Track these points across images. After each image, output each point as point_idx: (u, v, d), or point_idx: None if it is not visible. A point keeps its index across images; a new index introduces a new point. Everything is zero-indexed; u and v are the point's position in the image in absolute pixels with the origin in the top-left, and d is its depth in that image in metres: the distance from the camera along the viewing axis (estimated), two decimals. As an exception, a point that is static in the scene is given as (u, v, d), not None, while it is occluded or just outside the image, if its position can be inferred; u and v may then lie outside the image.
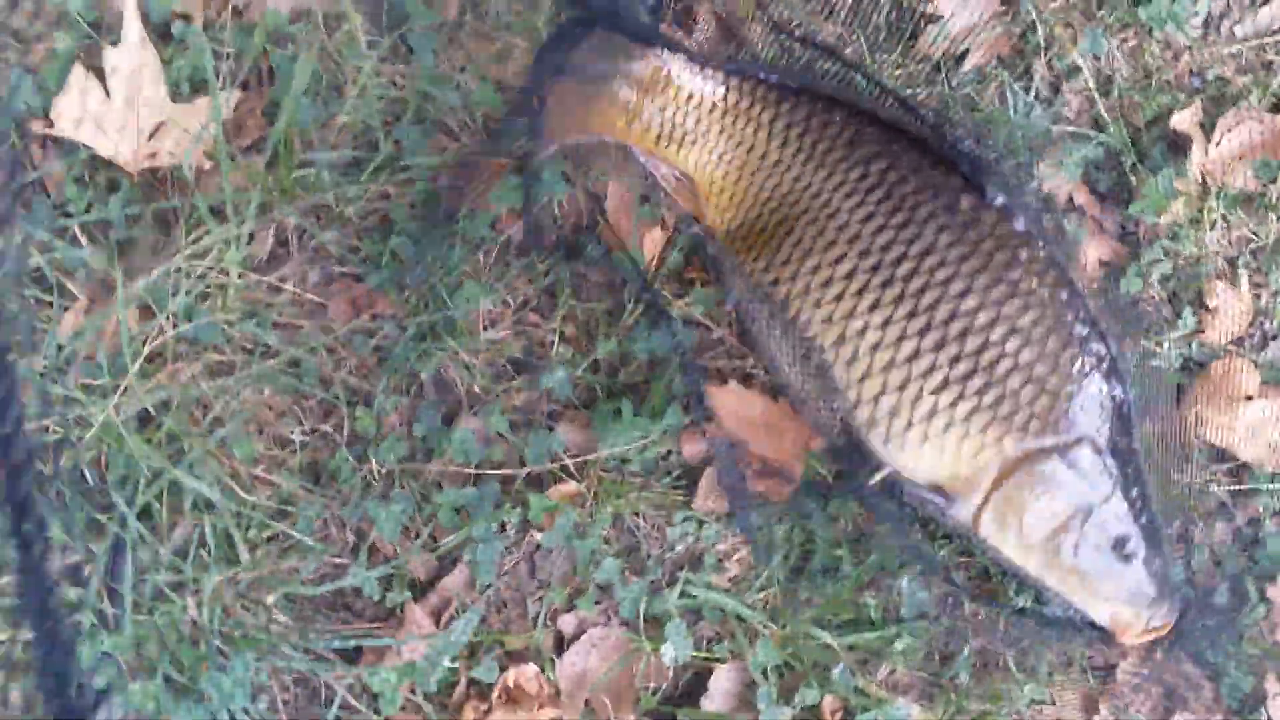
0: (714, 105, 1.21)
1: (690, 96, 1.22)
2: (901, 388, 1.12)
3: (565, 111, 1.21)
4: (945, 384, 1.11)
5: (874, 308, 1.13)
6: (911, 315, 1.12)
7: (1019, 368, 1.10)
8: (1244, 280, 1.28)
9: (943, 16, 1.32)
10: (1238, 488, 1.25)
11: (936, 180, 1.16)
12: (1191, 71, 1.32)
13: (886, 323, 1.12)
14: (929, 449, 1.12)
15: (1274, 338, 1.28)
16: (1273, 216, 1.28)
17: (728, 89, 1.21)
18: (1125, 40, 1.33)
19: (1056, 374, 1.11)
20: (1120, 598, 1.12)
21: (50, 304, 1.22)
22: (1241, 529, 1.25)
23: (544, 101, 1.19)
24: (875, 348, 1.12)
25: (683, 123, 1.22)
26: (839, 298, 1.14)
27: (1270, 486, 1.23)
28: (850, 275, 1.14)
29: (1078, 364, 1.11)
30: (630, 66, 1.22)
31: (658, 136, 1.23)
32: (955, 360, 1.11)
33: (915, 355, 1.11)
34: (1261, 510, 1.24)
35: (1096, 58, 1.31)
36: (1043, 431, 1.10)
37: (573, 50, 1.19)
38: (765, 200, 1.20)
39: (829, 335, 1.14)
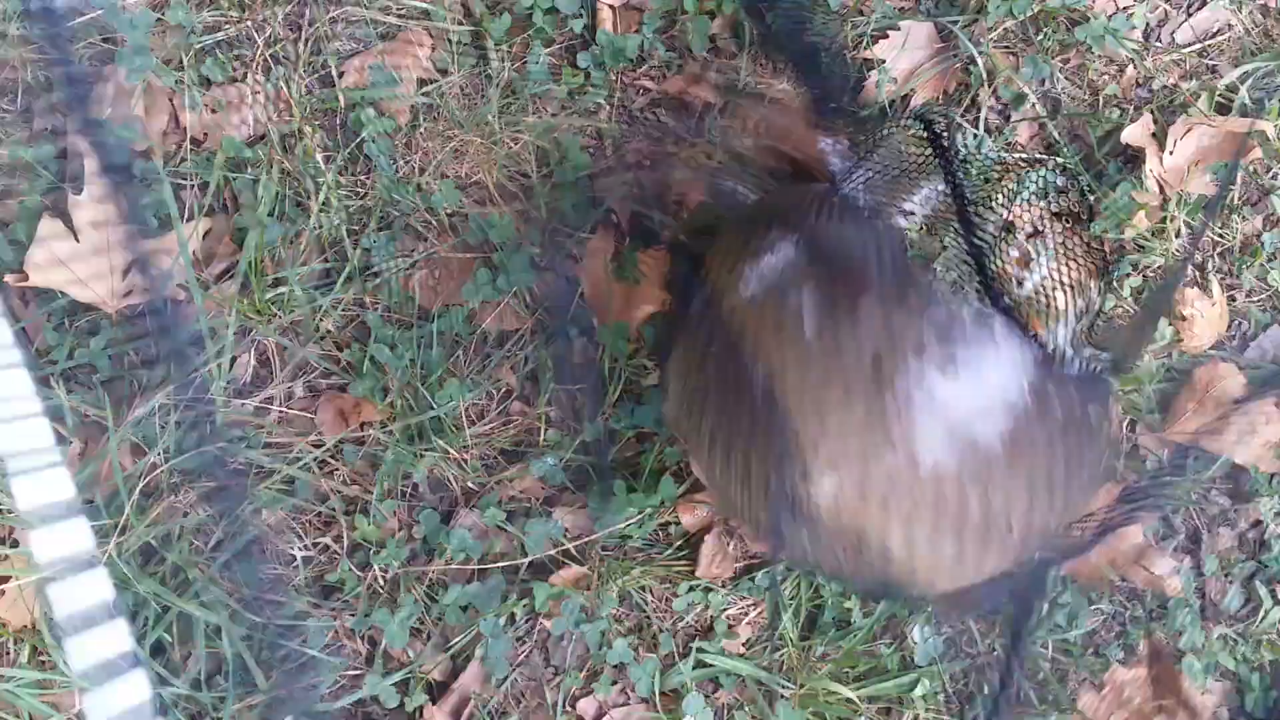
0: None
1: None
2: None
3: None
4: None
5: None
6: None
7: None
8: (1215, 284, 1.28)
9: (884, 61, 1.33)
10: (1237, 490, 1.24)
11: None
12: (1137, 83, 1.33)
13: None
14: None
15: (1253, 338, 1.28)
16: (1236, 217, 1.29)
17: None
18: (1067, 61, 1.34)
19: None
20: None
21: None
22: (1245, 534, 1.24)
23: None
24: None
25: None
26: None
27: (1270, 487, 1.23)
28: None
29: None
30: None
31: None
32: None
33: None
34: (1264, 513, 1.23)
35: (1041, 82, 1.33)
36: None
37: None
38: None
39: None
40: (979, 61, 1.32)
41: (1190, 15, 1.34)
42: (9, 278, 1.27)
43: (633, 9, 1.39)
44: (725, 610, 1.24)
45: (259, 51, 1.34)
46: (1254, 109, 1.31)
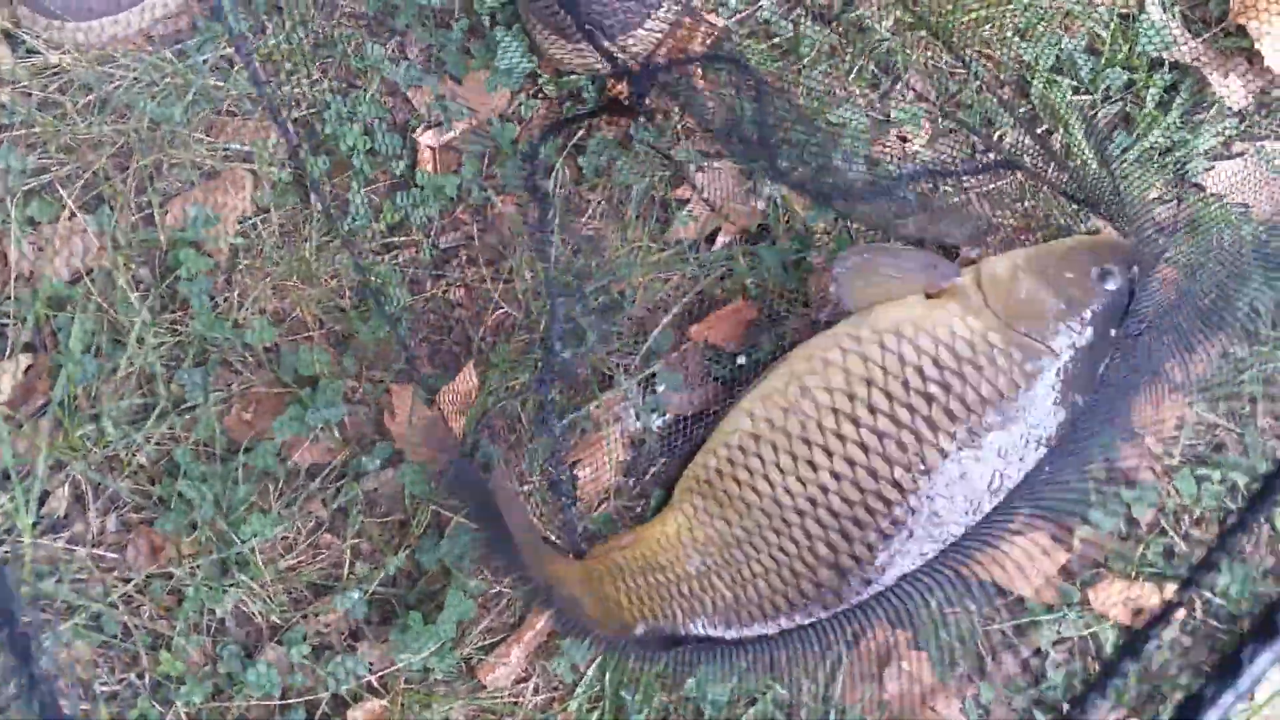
0: None
1: None
2: None
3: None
4: None
5: None
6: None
7: None
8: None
9: (689, 200, 1.39)
10: (1018, 622, 1.28)
11: None
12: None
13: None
14: None
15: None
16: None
17: None
18: (862, 202, 1.40)
19: None
20: None
21: None
22: (1029, 660, 1.28)
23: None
24: None
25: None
26: None
27: (1047, 618, 1.27)
28: None
29: None
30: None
31: None
32: None
33: None
34: (1044, 642, 1.27)
35: (835, 220, 1.38)
36: None
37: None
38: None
39: None
40: (778, 203, 1.38)
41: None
42: None
43: (452, 150, 1.44)
44: (527, 742, 1.27)
45: (81, 191, 1.38)
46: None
